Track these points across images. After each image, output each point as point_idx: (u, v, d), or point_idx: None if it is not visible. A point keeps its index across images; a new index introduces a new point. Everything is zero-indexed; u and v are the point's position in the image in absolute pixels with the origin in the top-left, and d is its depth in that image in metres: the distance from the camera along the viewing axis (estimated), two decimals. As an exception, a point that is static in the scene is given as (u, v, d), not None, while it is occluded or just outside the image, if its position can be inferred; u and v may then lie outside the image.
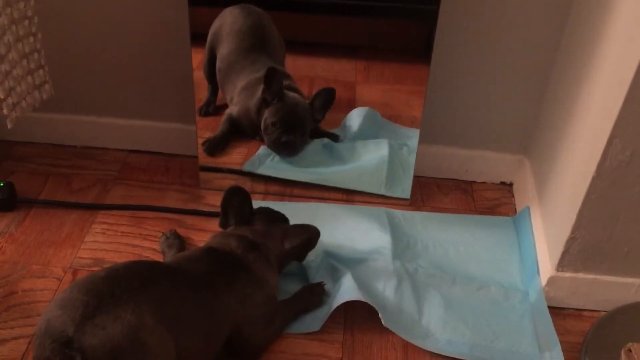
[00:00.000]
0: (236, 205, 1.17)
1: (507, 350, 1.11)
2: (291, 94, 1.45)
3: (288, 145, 1.43)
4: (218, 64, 1.46)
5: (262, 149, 1.47)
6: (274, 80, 1.40)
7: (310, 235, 1.18)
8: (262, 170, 1.46)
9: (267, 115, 1.43)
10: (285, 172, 1.46)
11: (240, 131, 1.49)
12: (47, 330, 0.86)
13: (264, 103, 1.43)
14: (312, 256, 1.24)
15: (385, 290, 1.20)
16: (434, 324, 1.15)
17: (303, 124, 1.44)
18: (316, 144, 1.49)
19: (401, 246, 1.31)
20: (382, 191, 1.45)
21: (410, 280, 1.22)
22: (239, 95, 1.47)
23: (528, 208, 1.36)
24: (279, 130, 1.42)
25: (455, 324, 1.15)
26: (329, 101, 1.45)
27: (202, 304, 0.98)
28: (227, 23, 1.44)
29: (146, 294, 0.91)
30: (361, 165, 1.47)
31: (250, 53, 1.46)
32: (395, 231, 1.35)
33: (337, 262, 1.26)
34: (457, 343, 1.12)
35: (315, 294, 1.18)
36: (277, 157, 1.47)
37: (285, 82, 1.45)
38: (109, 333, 0.84)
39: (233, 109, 1.47)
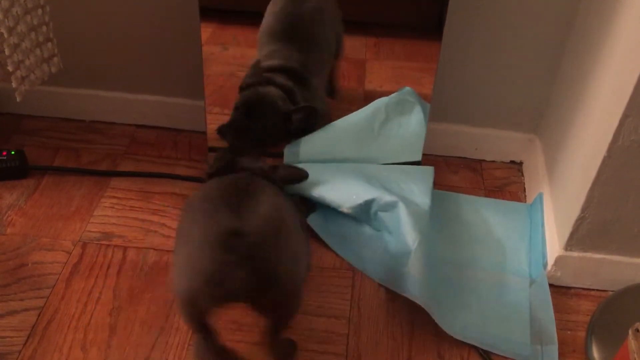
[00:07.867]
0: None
1: (497, 336, 1.10)
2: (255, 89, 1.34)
3: (235, 127, 1.33)
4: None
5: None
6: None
7: (300, 175, 1.21)
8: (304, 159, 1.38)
9: None
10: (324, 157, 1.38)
11: None
12: (207, 237, 0.87)
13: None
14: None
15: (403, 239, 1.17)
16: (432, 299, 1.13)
17: (264, 114, 1.32)
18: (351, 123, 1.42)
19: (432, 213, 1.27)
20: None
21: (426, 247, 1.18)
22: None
23: (541, 195, 1.33)
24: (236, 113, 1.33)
25: (452, 304, 1.14)
26: (308, 121, 1.35)
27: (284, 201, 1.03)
28: (272, 3, 1.41)
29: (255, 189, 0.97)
30: (397, 135, 1.40)
31: (275, 41, 1.41)
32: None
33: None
34: (449, 321, 1.11)
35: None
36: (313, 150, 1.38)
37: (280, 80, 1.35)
38: (262, 214, 0.90)
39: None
